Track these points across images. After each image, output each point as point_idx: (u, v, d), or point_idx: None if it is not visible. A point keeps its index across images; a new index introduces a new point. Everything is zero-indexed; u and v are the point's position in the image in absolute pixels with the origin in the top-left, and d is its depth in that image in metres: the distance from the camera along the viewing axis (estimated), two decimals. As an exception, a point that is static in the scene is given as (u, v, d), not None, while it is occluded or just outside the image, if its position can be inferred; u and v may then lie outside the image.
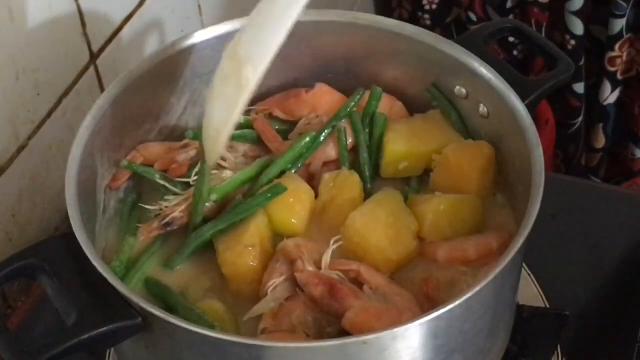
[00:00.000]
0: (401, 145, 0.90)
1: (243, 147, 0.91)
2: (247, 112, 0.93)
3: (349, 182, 0.87)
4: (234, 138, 0.90)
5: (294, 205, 0.85)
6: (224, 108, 0.76)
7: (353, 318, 0.75)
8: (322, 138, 0.90)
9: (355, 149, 0.91)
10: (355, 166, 0.90)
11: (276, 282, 0.79)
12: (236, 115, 0.75)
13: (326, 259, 0.80)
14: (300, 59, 0.95)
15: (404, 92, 0.95)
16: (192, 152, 0.90)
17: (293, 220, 0.85)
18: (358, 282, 0.80)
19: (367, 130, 0.92)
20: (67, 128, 1.00)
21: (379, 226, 0.82)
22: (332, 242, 0.82)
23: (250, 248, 0.81)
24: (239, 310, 0.80)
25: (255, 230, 0.82)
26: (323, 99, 0.95)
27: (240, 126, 0.91)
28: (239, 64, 0.75)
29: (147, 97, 0.89)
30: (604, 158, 1.70)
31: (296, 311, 0.78)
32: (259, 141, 0.92)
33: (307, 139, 0.89)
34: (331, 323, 0.78)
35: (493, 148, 0.88)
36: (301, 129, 0.92)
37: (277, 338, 0.77)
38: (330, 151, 0.91)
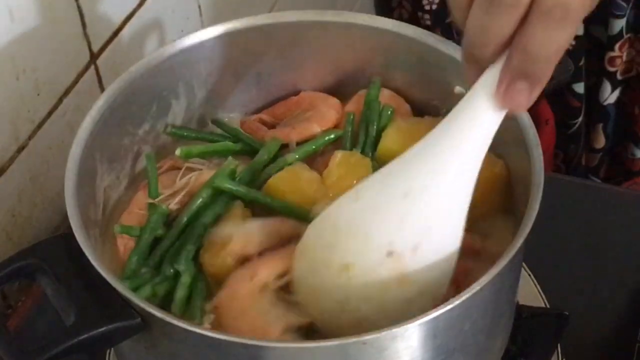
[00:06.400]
0: (396, 143, 0.88)
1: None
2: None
3: (361, 165, 0.85)
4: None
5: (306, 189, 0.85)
6: None
7: None
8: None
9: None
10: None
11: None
12: None
13: None
14: (299, 61, 0.95)
15: (404, 93, 0.95)
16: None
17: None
18: None
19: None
20: (67, 128, 1.00)
21: None
22: None
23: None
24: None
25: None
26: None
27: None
28: None
29: (146, 97, 0.89)
30: (604, 158, 1.69)
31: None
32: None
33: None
34: None
35: (505, 167, 0.85)
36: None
37: None
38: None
